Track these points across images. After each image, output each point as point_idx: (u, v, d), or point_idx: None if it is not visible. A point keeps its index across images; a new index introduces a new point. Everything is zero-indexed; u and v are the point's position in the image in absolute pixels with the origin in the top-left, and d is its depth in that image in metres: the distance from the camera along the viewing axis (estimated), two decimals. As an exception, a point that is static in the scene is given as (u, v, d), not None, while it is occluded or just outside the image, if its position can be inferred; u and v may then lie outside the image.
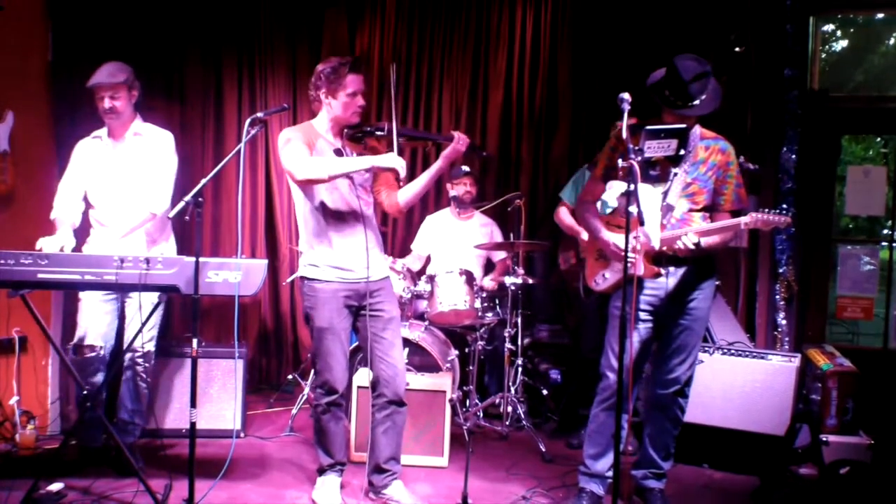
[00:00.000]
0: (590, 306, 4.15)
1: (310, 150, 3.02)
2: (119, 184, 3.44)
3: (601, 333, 4.21)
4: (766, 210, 2.86)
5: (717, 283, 3.22)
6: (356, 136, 3.11)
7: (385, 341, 3.15)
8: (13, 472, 3.36)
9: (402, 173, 2.91)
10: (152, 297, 3.13)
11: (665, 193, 3.02)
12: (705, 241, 2.93)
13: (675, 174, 3.01)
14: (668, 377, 3.14)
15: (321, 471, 3.26)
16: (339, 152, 3.06)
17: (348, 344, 3.18)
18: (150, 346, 3.54)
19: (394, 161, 2.91)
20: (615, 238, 3.04)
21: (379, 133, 3.11)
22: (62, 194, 3.45)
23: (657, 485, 3.25)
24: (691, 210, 3.04)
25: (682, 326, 3.09)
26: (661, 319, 3.12)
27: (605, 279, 3.23)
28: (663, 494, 3.24)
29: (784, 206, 4.30)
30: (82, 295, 3.45)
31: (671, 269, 3.05)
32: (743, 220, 2.88)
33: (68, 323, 3.93)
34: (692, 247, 2.87)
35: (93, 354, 3.39)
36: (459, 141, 3.01)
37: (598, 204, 3.34)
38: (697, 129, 3.07)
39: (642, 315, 3.06)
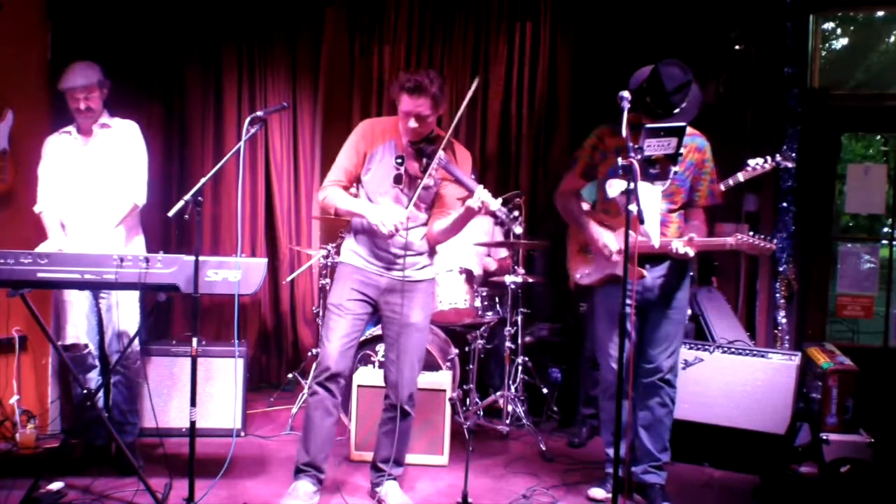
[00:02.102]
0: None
1: (363, 157, 3.00)
2: (91, 180, 3.46)
3: None
4: (754, 234, 2.92)
5: (691, 273, 3.27)
6: (416, 150, 2.95)
7: (397, 347, 3.11)
8: (13, 471, 3.36)
9: (384, 231, 2.81)
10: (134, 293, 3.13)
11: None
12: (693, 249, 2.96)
13: (675, 172, 3.02)
14: (650, 366, 3.20)
15: (295, 471, 3.08)
16: (399, 159, 2.96)
17: (354, 329, 3.05)
18: (134, 342, 3.53)
19: (381, 217, 2.83)
20: (607, 237, 3.07)
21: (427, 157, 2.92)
22: (46, 185, 3.48)
23: (657, 479, 3.25)
24: (670, 210, 3.09)
25: (663, 317, 3.17)
26: (642, 313, 3.17)
27: (587, 275, 3.29)
28: (664, 491, 3.24)
29: (784, 203, 4.29)
30: (67, 296, 3.44)
31: (647, 266, 3.11)
32: (728, 240, 2.94)
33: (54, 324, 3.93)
34: (682, 252, 2.91)
35: (82, 353, 3.42)
36: (479, 208, 2.76)
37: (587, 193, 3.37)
38: None
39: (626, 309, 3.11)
